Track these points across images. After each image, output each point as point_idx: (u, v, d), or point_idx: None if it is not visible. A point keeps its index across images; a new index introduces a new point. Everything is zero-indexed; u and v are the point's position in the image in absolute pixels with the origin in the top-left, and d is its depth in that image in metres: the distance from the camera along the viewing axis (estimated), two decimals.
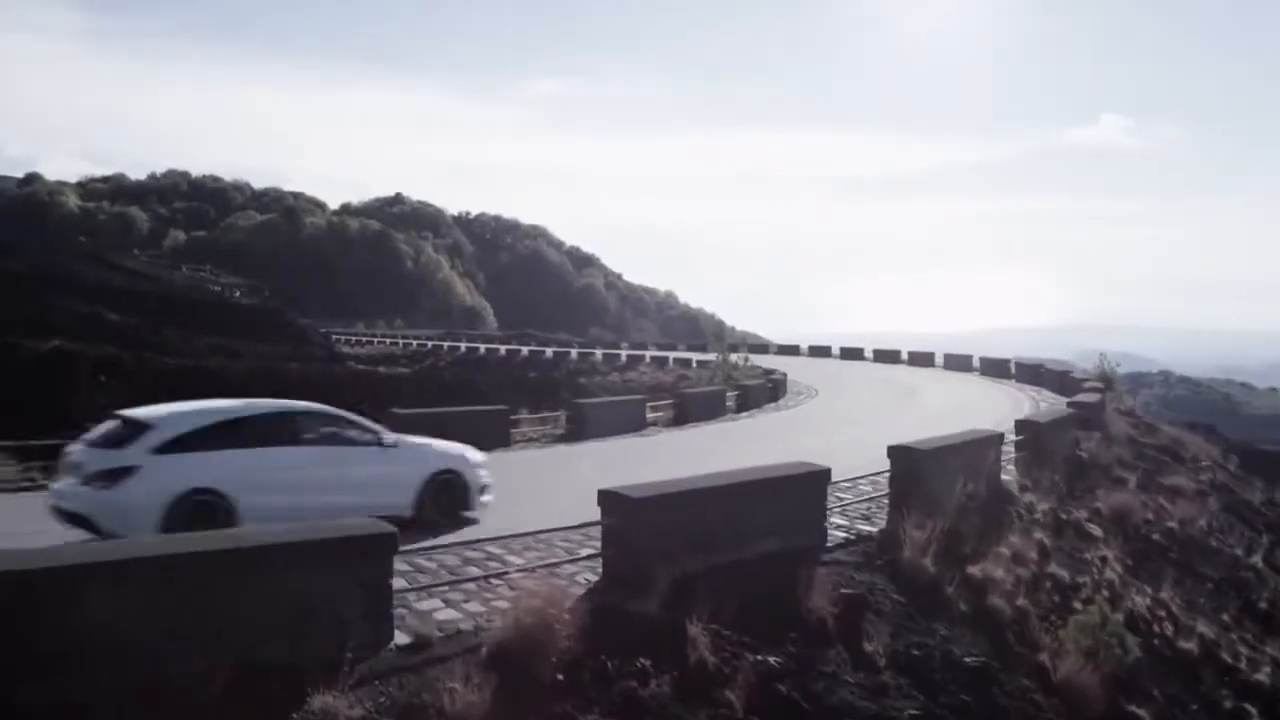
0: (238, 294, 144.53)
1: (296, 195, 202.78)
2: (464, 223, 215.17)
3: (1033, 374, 48.08)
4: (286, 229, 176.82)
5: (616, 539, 10.94)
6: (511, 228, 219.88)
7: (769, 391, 39.53)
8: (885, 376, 52.46)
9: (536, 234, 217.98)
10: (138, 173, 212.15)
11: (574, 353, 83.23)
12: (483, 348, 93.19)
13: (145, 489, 12.21)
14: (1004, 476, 18.31)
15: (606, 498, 11.06)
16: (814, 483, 13.37)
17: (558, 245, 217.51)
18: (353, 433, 14.78)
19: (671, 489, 11.38)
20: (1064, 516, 17.37)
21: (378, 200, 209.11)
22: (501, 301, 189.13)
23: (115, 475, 12.31)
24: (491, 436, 24.10)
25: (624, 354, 78.52)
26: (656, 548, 10.88)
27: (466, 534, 14.10)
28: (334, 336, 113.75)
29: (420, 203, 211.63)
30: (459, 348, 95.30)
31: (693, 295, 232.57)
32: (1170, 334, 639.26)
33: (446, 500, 14.90)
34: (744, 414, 34.73)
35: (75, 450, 13.14)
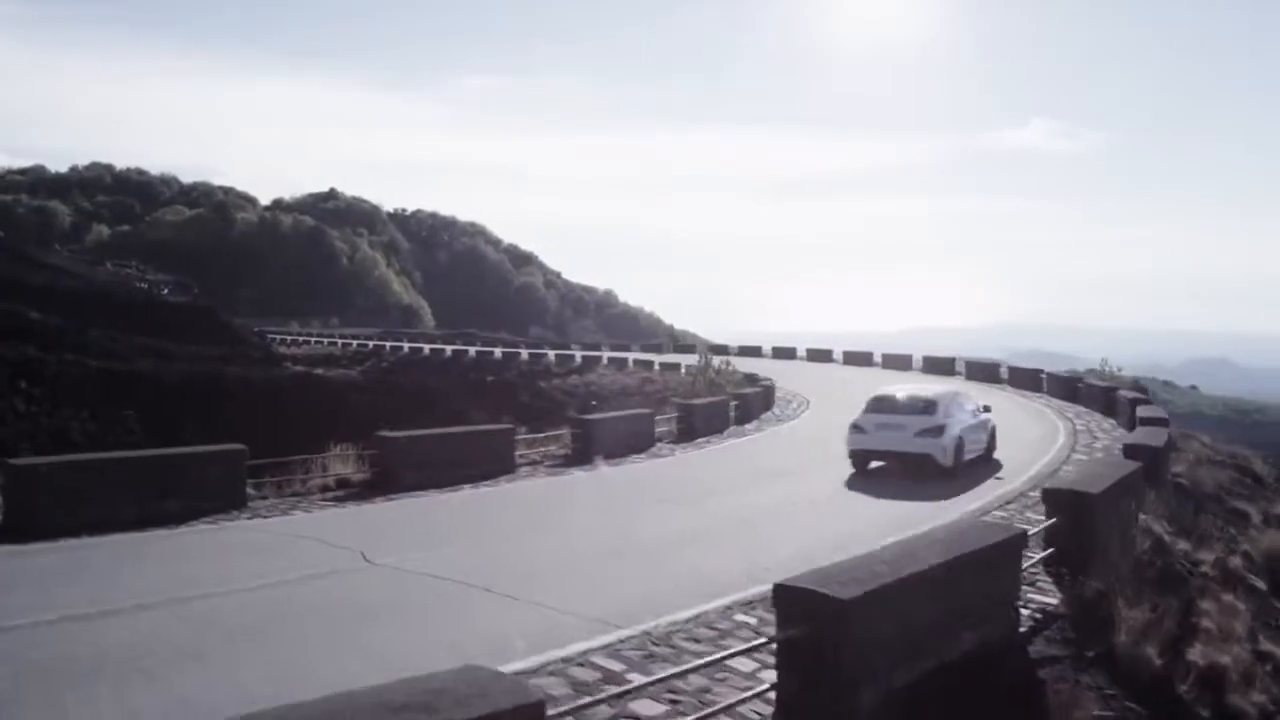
0: (165, 291, 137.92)
1: (226, 190, 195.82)
2: (400, 219, 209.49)
3: (1030, 378, 45.30)
4: (216, 225, 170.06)
5: (807, 657, 7.36)
6: (449, 225, 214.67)
7: (762, 399, 36.21)
8: (862, 380, 49.20)
9: (474, 231, 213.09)
10: (58, 165, 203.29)
11: (524, 353, 79.08)
12: (427, 348, 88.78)
13: (949, 436, 20.29)
14: (1142, 516, 15.09)
15: (790, 597, 7.50)
16: (1010, 550, 9.96)
17: (496, 243, 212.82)
18: (970, 406, 22.18)
19: (883, 576, 7.83)
20: (1230, 567, 14.15)
21: (311, 196, 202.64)
22: (439, 300, 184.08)
23: (937, 430, 20.25)
24: (494, 462, 20.42)
25: (578, 355, 74.65)
26: (862, 663, 7.42)
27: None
28: (269, 336, 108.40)
29: (355, 199, 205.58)
30: (401, 348, 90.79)
31: (631, 294, 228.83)
32: (1095, 334, 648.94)
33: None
34: (749, 426, 31.40)
35: (879, 419, 20.97)
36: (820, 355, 67.19)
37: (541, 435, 25.32)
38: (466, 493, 18.58)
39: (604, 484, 20.45)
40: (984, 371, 51.03)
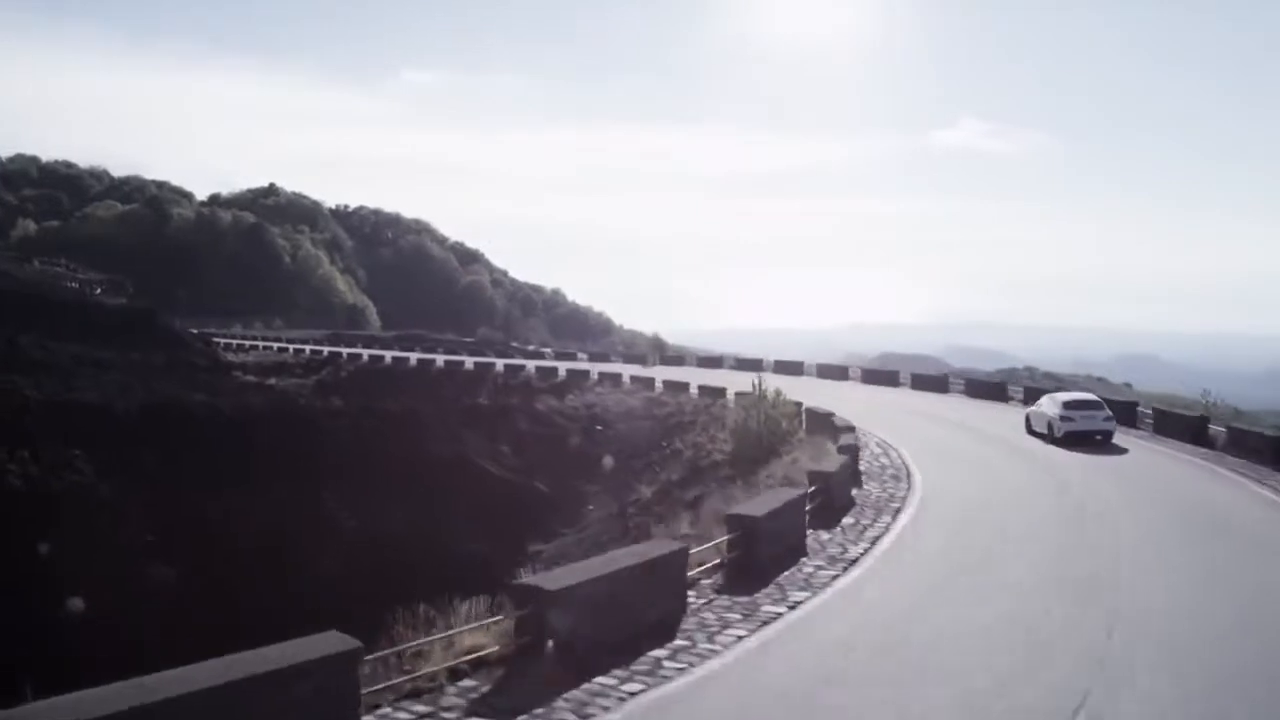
0: (99, 291, 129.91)
1: (160, 184, 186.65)
2: (342, 216, 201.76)
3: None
4: (151, 220, 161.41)
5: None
6: (393, 222, 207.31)
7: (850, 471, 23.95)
8: (908, 406, 43.84)
9: (419, 229, 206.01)
10: None
11: (499, 364, 73.07)
12: (388, 356, 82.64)
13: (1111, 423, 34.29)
14: None
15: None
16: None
17: (441, 241, 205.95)
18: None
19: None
20: None
21: (250, 191, 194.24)
22: (384, 299, 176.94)
23: (1111, 419, 34.32)
24: (664, 594, 13.34)
25: (561, 368, 68.70)
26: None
27: None
28: (214, 340, 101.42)
29: (295, 194, 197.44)
30: (360, 355, 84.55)
31: (578, 292, 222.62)
32: (1028, 330, 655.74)
33: None
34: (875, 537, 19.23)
35: (1067, 412, 34.35)
36: (751, 364, 65.85)
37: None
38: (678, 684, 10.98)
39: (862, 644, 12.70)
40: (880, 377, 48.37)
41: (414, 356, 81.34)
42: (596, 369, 65.94)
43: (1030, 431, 35.55)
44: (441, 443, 41.02)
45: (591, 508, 38.50)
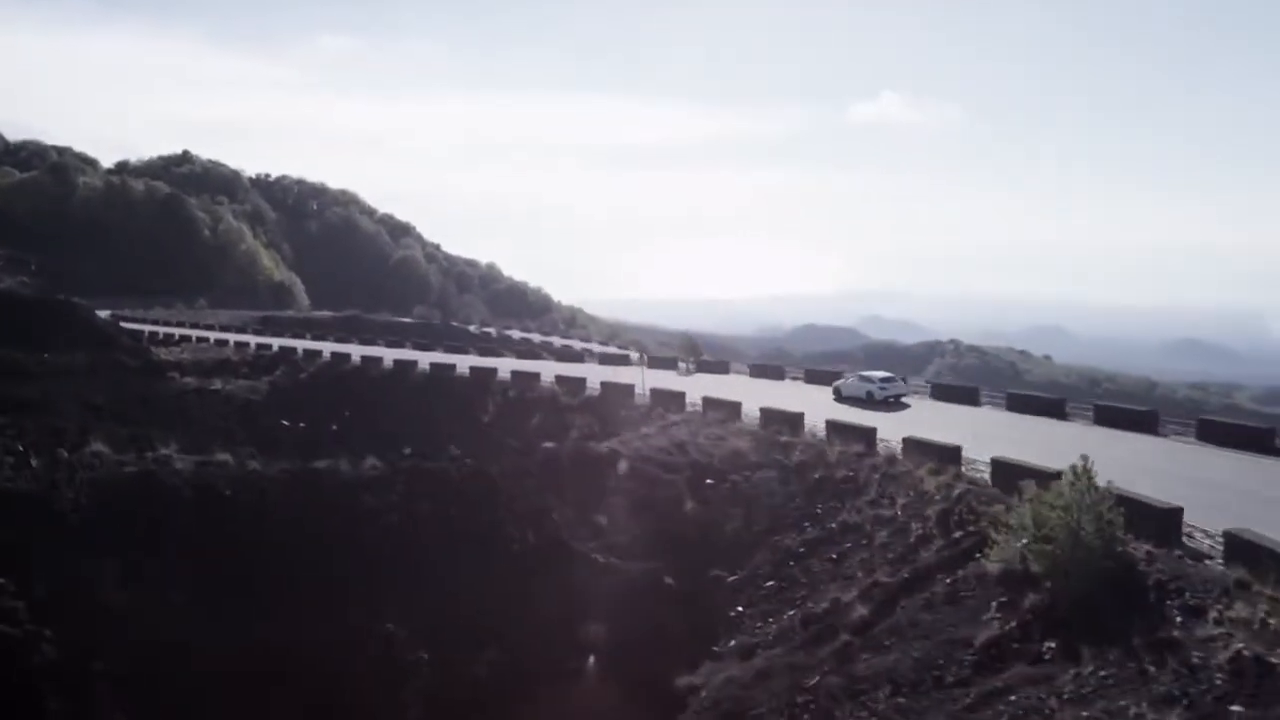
0: None
1: (62, 150, 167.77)
2: (263, 186, 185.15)
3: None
4: (54, 189, 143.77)
5: None
6: (318, 193, 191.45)
7: None
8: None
9: (346, 200, 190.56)
10: None
11: (505, 370, 60.20)
12: (357, 355, 69.71)
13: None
14: None
15: None
16: None
17: (370, 213, 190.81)
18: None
19: None
20: None
21: (162, 159, 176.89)
22: (312, 275, 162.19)
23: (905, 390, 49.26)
24: None
25: (585, 375, 56.52)
26: None
27: None
28: (139, 330, 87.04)
29: (211, 162, 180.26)
30: (320, 353, 71.46)
31: (510, 267, 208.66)
32: (940, 302, 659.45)
33: None
34: None
35: (883, 385, 48.80)
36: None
37: None
38: None
39: None
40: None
41: (388, 356, 68.51)
42: (612, 376, 54.74)
43: (840, 400, 49.09)
44: (523, 520, 29.40)
45: (743, 610, 27.54)
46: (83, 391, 57.76)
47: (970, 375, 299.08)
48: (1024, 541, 21.36)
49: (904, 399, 48.41)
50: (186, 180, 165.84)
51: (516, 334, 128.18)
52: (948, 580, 23.34)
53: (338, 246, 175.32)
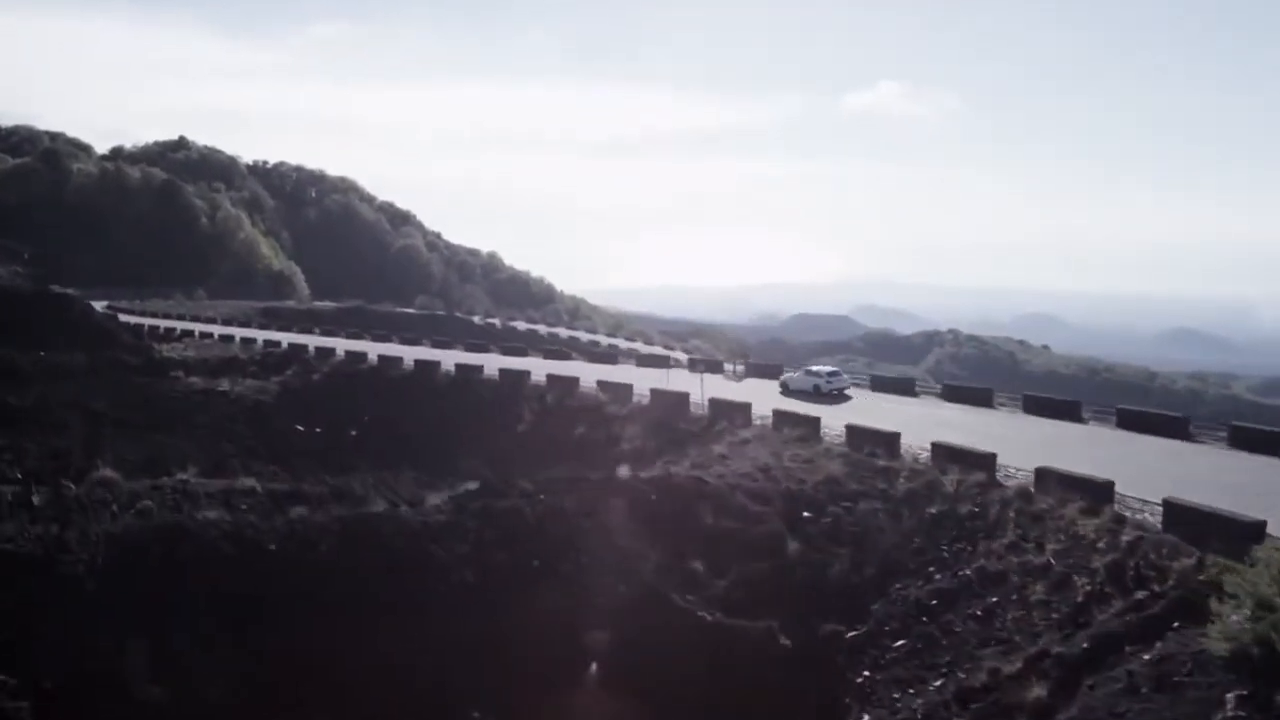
0: None
1: (54, 136, 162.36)
2: (261, 173, 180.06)
3: None
4: (47, 177, 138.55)
5: None
6: (317, 180, 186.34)
7: None
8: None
9: (346, 187, 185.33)
10: None
11: (536, 374, 55.43)
12: (373, 354, 65.21)
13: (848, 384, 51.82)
14: None
15: None
16: None
17: (370, 200, 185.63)
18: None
19: None
20: None
21: (157, 145, 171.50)
22: (311, 265, 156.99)
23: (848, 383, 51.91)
24: None
25: (628, 381, 51.86)
26: None
27: None
28: (121, 315, 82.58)
29: (208, 149, 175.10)
30: (333, 351, 67.00)
31: (510, 257, 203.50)
32: (934, 291, 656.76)
33: None
34: None
35: (830, 379, 51.62)
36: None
37: None
38: None
39: None
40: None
41: (407, 354, 64.07)
42: (662, 381, 50.39)
43: (786, 393, 50.96)
44: (607, 568, 25.08)
45: (871, 675, 23.39)
46: (83, 395, 53.28)
47: (970, 365, 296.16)
48: (1263, 619, 17.29)
49: (846, 391, 51.43)
50: (183, 167, 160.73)
51: (522, 325, 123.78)
52: (1146, 656, 19.21)
53: (337, 235, 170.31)
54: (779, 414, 40.63)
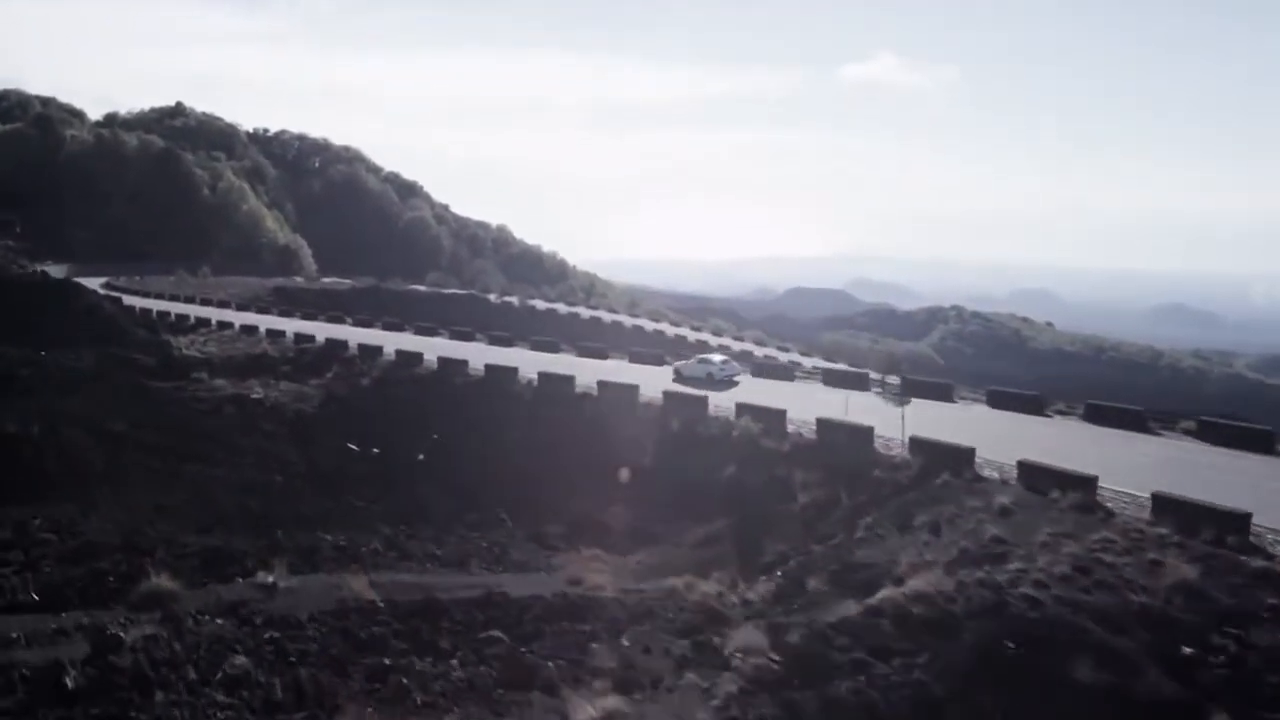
0: None
1: (46, 100, 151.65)
2: (262, 141, 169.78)
3: None
4: (38, 142, 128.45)
5: None
6: (321, 149, 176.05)
7: None
8: None
9: (351, 157, 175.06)
10: None
11: (630, 376, 46.32)
12: (431, 356, 56.28)
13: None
14: None
15: None
16: None
17: (376, 171, 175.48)
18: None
19: None
20: None
21: (154, 111, 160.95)
22: (316, 237, 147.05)
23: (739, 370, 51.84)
24: None
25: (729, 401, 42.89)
26: None
27: None
28: (124, 297, 73.50)
29: (207, 115, 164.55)
30: (380, 350, 58.12)
31: (523, 229, 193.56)
32: (929, 265, 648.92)
33: None
34: None
35: (723, 366, 51.75)
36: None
37: None
38: None
39: None
40: None
41: (474, 356, 55.00)
42: (824, 402, 40.34)
43: (679, 380, 50.55)
44: None
45: None
46: (95, 412, 44.19)
47: (975, 343, 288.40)
48: None
49: (736, 379, 50.96)
50: (180, 134, 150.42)
51: (541, 305, 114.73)
52: None
53: (343, 206, 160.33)
54: (1026, 466, 28.65)
